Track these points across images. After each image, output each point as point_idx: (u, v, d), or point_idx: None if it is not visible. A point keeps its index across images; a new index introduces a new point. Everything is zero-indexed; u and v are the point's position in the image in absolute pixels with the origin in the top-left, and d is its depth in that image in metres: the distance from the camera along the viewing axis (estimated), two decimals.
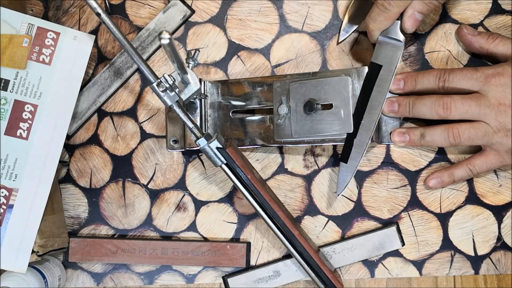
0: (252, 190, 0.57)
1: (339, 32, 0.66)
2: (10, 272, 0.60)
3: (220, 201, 0.66)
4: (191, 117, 0.56)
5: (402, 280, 0.65)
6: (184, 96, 0.56)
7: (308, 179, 0.66)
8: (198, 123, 0.63)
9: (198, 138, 0.55)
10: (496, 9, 0.66)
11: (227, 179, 0.66)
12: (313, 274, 0.59)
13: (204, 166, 0.67)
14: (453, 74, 0.58)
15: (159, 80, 0.52)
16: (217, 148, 0.55)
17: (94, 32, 0.68)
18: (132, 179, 0.67)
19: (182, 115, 0.55)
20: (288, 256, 0.65)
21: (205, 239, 0.66)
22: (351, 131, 0.58)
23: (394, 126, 0.61)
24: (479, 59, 0.65)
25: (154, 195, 0.67)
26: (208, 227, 0.66)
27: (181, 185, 0.67)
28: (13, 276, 0.60)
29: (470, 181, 0.65)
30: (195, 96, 0.58)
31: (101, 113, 0.67)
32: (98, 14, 0.51)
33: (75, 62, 0.63)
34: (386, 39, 0.59)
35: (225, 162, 0.56)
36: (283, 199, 0.66)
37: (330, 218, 0.66)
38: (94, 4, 0.51)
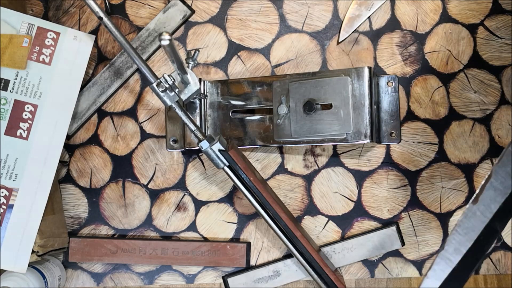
0: (255, 192, 0.57)
1: (339, 32, 0.66)
2: (10, 272, 0.60)
3: (220, 201, 0.66)
4: (193, 119, 0.56)
5: (402, 280, 0.65)
6: (184, 96, 0.56)
7: (308, 179, 0.66)
8: (198, 123, 0.63)
9: (200, 141, 0.55)
10: (496, 9, 0.66)
11: (227, 179, 0.66)
12: (316, 276, 0.59)
13: (204, 166, 0.67)
14: None
15: (158, 81, 0.52)
16: (220, 150, 0.55)
17: (94, 32, 0.68)
18: (132, 179, 0.67)
19: (184, 117, 0.55)
20: (288, 256, 0.65)
21: (205, 239, 0.66)
22: (351, 131, 0.58)
23: (394, 126, 0.61)
24: (480, 59, 0.65)
25: (154, 195, 0.67)
26: (208, 227, 0.66)
27: (181, 185, 0.67)
28: (13, 276, 0.60)
29: (470, 181, 0.65)
30: (195, 96, 0.58)
31: (101, 113, 0.67)
32: (100, 18, 0.51)
33: (75, 62, 0.63)
34: None
35: (227, 164, 0.56)
36: (283, 199, 0.66)
37: (330, 218, 0.66)
38: (96, 8, 0.51)
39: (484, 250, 0.45)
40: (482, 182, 0.45)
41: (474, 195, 0.45)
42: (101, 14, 0.51)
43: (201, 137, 0.55)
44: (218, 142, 0.55)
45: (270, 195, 0.57)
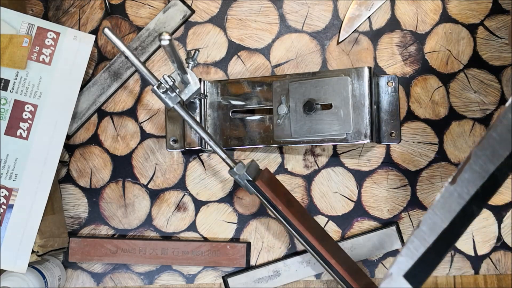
0: (286, 221, 0.57)
1: (339, 32, 0.66)
2: (10, 272, 0.60)
3: (220, 201, 0.66)
4: (222, 148, 0.56)
5: None
6: (184, 96, 0.56)
7: (308, 179, 0.66)
8: None
9: (231, 168, 0.55)
10: (496, 9, 0.66)
11: (227, 179, 0.66)
12: None
13: (204, 166, 0.67)
14: None
15: (159, 82, 0.52)
16: (248, 180, 0.55)
17: (94, 32, 0.68)
18: (132, 179, 0.67)
19: (214, 146, 0.55)
20: (288, 256, 0.65)
21: (205, 239, 0.66)
22: (351, 131, 0.58)
23: (394, 126, 0.61)
24: (480, 59, 0.65)
25: (154, 195, 0.67)
26: (208, 227, 0.66)
27: (181, 185, 0.67)
28: (13, 276, 0.60)
29: None
30: (195, 96, 0.58)
31: (101, 113, 0.68)
32: (126, 57, 0.52)
33: (75, 62, 0.63)
34: None
35: None
36: None
37: (330, 218, 0.66)
38: (123, 48, 0.51)
39: (460, 233, 0.44)
40: (461, 163, 0.43)
41: (452, 176, 0.44)
42: (128, 54, 0.51)
43: (232, 164, 0.55)
44: (244, 172, 0.55)
45: (302, 224, 0.56)
